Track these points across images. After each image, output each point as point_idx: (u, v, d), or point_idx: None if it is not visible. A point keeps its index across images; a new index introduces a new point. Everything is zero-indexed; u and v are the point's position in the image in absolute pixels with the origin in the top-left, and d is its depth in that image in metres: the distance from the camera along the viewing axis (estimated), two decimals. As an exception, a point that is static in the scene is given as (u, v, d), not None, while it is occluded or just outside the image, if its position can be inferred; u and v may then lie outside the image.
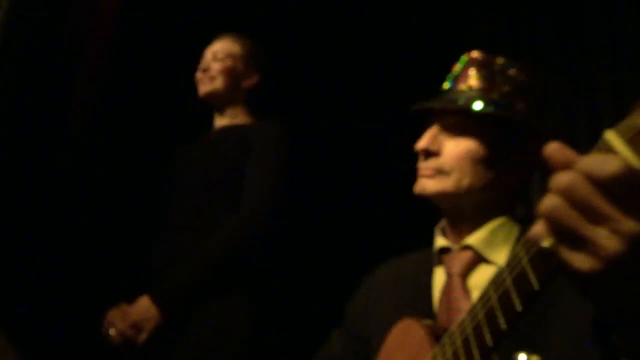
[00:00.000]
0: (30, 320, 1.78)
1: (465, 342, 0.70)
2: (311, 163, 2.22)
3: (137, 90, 2.35)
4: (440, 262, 1.06)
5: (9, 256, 1.88)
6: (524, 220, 1.06)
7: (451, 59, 1.14)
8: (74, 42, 2.19)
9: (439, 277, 1.05)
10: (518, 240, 1.01)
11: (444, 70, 1.14)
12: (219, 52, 1.90)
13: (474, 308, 0.69)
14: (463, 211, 1.05)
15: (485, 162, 1.02)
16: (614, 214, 0.46)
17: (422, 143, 1.05)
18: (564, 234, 0.49)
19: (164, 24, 2.42)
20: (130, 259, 1.83)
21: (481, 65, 1.07)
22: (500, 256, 1.00)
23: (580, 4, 2.42)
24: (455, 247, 1.05)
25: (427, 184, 1.04)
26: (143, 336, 1.52)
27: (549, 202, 0.49)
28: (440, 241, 1.08)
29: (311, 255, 2.40)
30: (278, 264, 1.93)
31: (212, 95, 1.87)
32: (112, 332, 1.56)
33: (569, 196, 0.48)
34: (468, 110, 1.02)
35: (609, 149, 0.48)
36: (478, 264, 1.01)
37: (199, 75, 1.90)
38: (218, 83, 1.86)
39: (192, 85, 1.92)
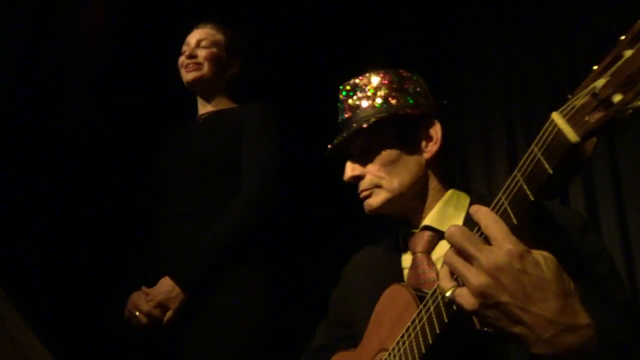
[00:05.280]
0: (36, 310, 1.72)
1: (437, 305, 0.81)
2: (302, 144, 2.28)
3: (124, 80, 2.39)
4: (406, 248, 1.19)
5: (10, 251, 1.90)
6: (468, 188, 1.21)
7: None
8: (63, 35, 2.21)
9: (407, 260, 1.18)
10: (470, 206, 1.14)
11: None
12: (204, 39, 1.93)
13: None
14: (409, 205, 1.19)
15: (400, 158, 1.18)
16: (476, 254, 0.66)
17: (346, 175, 1.22)
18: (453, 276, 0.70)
19: (148, 18, 2.46)
20: (128, 248, 1.86)
21: (353, 91, 1.22)
22: None
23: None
24: (416, 230, 1.19)
25: (370, 202, 1.20)
26: (170, 314, 1.58)
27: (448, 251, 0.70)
28: (402, 229, 1.22)
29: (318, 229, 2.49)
30: (287, 237, 2.00)
31: (199, 82, 1.90)
32: (137, 313, 1.61)
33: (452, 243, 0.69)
34: (359, 130, 1.16)
35: (554, 126, 0.62)
36: (439, 241, 1.15)
37: (184, 61, 1.92)
38: (205, 69, 1.89)
39: (175, 73, 1.94)
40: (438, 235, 1.15)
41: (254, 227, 1.67)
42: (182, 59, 1.94)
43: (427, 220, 1.17)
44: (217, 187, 1.74)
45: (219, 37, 1.96)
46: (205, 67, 1.90)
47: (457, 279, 0.71)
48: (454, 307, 0.73)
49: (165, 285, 1.59)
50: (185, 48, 1.95)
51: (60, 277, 2.05)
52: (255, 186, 1.69)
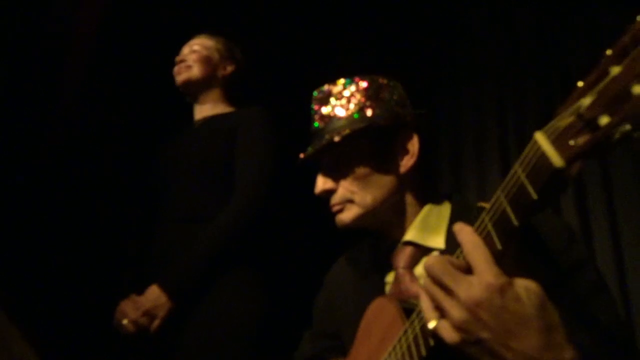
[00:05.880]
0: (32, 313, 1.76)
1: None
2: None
3: (121, 86, 2.37)
4: (388, 262, 1.14)
5: (9, 253, 1.91)
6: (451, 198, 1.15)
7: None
8: (59, 36, 2.19)
9: (390, 275, 1.14)
10: (451, 217, 1.09)
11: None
12: (195, 45, 1.95)
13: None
14: (385, 219, 1.14)
15: (374, 172, 1.11)
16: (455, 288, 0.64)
17: (317, 188, 1.15)
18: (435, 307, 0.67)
19: (146, 23, 2.45)
20: (125, 252, 1.87)
21: (327, 98, 1.16)
22: (438, 240, 1.09)
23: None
24: (398, 244, 1.13)
25: (342, 217, 1.14)
26: (156, 323, 1.57)
27: (425, 282, 0.69)
28: (384, 242, 1.17)
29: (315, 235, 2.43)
30: (282, 242, 1.97)
31: (189, 83, 1.90)
32: (125, 321, 1.59)
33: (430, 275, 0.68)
34: (330, 143, 1.09)
35: (538, 148, 0.58)
36: (421, 256, 1.10)
37: (175, 67, 1.93)
38: (195, 70, 1.90)
39: (173, 80, 1.94)
40: (420, 250, 1.10)
41: (246, 232, 1.65)
42: (175, 67, 1.95)
43: (408, 236, 1.11)
44: (214, 193, 1.72)
45: (211, 42, 1.98)
46: (195, 68, 1.91)
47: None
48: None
49: (153, 293, 1.58)
50: (178, 56, 1.97)
51: (56, 284, 2.05)
52: (247, 192, 1.67)
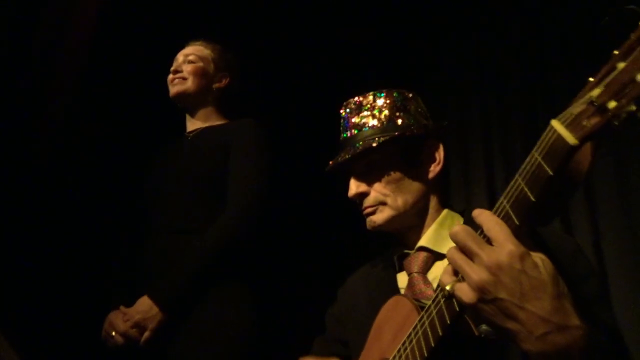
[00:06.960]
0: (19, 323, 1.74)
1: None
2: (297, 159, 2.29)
3: (113, 94, 2.39)
4: (401, 268, 1.22)
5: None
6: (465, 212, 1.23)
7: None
8: (49, 45, 2.20)
9: (403, 281, 1.20)
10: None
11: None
12: (191, 54, 1.94)
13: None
14: (409, 223, 1.23)
15: (405, 177, 1.21)
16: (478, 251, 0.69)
17: (351, 192, 1.24)
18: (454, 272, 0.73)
19: (138, 29, 2.48)
20: (116, 263, 1.85)
21: (358, 109, 1.26)
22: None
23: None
24: (411, 251, 1.22)
25: (374, 219, 1.22)
26: (147, 335, 1.54)
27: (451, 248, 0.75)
28: (397, 250, 1.25)
29: (307, 247, 2.46)
30: (276, 255, 1.98)
31: (183, 96, 1.90)
32: (114, 334, 1.57)
33: (456, 241, 0.73)
34: (368, 149, 1.19)
35: (554, 132, 0.66)
36: (434, 261, 1.18)
37: (170, 77, 1.93)
38: (189, 83, 1.89)
39: (166, 88, 1.94)
40: (434, 256, 1.18)
41: (237, 244, 1.65)
42: (169, 76, 1.95)
43: (422, 241, 1.20)
44: (206, 205, 1.72)
45: (207, 52, 1.98)
46: (190, 81, 1.90)
47: (459, 275, 0.74)
48: (455, 307, 0.75)
49: (144, 305, 1.57)
50: (173, 65, 1.97)
51: (45, 294, 2.05)
52: (239, 203, 1.67)
